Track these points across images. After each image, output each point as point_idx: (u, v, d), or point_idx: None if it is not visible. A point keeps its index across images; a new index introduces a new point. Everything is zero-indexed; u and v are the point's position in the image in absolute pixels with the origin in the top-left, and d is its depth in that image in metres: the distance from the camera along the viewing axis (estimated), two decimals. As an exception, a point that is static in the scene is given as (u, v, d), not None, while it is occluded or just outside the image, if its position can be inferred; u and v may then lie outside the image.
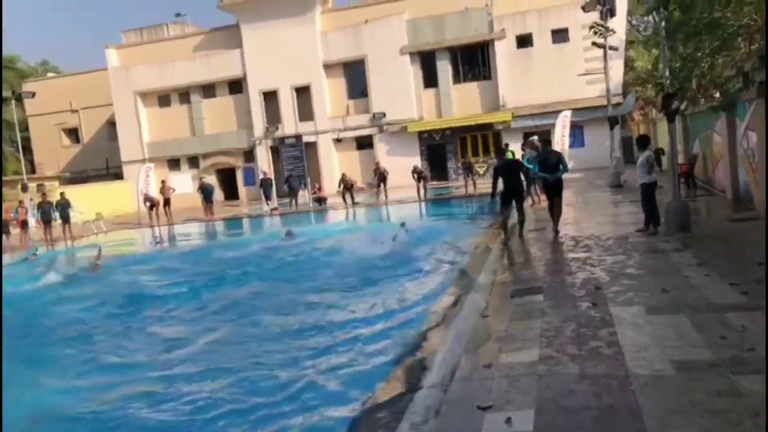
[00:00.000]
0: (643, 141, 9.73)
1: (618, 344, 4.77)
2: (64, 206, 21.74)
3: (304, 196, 25.50)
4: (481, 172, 31.84)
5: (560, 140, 21.80)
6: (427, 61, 32.58)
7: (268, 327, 7.97)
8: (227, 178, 36.28)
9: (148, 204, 23.66)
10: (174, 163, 36.73)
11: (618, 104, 26.32)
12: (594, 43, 19.22)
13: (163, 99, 36.50)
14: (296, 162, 33.84)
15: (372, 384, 5.04)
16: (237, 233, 20.95)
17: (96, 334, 8.41)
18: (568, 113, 22.65)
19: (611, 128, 19.30)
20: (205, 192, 23.43)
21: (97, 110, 40.14)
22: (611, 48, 19.03)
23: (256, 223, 22.57)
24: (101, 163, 41.43)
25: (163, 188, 24.16)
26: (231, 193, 36.24)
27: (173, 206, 24.23)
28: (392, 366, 5.45)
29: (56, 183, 37.62)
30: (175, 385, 6.08)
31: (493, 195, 11.33)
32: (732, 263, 7.17)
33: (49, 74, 49.23)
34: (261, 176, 24.77)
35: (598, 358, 4.55)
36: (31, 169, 44.29)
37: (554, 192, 11.03)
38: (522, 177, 11.18)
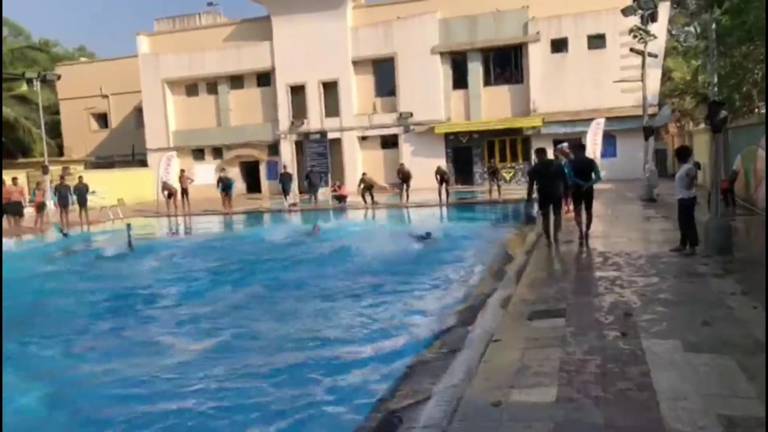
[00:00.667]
0: (684, 152, 8.91)
1: (652, 388, 4.06)
2: (81, 191, 21.47)
3: (325, 193, 24.97)
4: (508, 178, 31.07)
5: (592, 148, 20.91)
6: (457, 61, 31.84)
7: (259, 334, 7.36)
8: (250, 170, 35.93)
9: (166, 193, 23.33)
10: (198, 153, 36.53)
11: (653, 115, 25.33)
12: (632, 50, 18.32)
13: (191, 88, 36.30)
14: (320, 158, 33.49)
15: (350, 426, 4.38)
16: (252, 227, 20.50)
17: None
18: (602, 121, 21.75)
19: (646, 139, 18.38)
20: (224, 185, 22.99)
21: (127, 96, 40.07)
22: (650, 55, 18.10)
23: (273, 219, 22.07)
24: (128, 149, 41.46)
25: (182, 177, 23.82)
26: (254, 186, 35.91)
27: (192, 196, 23.93)
28: (381, 399, 4.77)
29: (81, 167, 37.78)
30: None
31: (528, 198, 11.10)
32: (782, 294, 6.38)
33: (82, 59, 49.60)
34: (281, 170, 24.16)
35: (627, 404, 3.85)
36: (59, 152, 44.78)
37: (585, 200, 10.76)
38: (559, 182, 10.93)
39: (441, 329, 6.37)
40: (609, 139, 27.76)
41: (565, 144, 16.45)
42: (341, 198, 22.88)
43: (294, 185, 27.31)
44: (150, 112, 36.41)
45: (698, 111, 30.83)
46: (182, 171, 24.30)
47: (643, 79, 18.51)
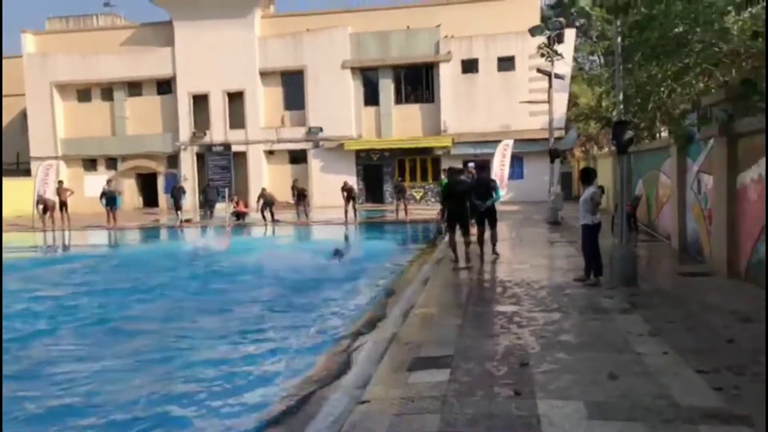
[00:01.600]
0: (588, 175, 8.27)
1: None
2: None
3: (225, 209, 23.33)
4: (418, 197, 30.53)
5: (499, 169, 20.53)
6: (369, 77, 31.16)
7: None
8: (148, 183, 33.66)
9: (41, 207, 20.99)
10: (90, 164, 33.86)
11: (560, 138, 25.48)
12: (539, 70, 18.10)
13: (83, 93, 33.66)
14: (223, 171, 31.80)
15: None
16: (138, 244, 18.64)
17: None
18: (510, 142, 21.47)
19: (551, 161, 18.15)
20: (108, 198, 20.90)
21: (11, 99, 36.69)
22: (557, 76, 17.93)
23: (161, 234, 20.25)
24: (12, 157, 38.06)
25: (60, 189, 21.53)
26: (151, 200, 33.64)
27: (81, 210, 21.56)
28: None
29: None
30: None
31: (441, 215, 11.20)
32: (693, 336, 5.66)
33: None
34: (175, 184, 22.36)
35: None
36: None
37: (488, 219, 10.93)
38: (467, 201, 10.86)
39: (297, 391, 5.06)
40: (517, 160, 27.80)
41: (472, 164, 15.87)
42: (240, 215, 21.34)
43: (189, 200, 25.51)
44: (35, 117, 33.45)
45: (602, 135, 31.53)
46: (60, 182, 21.96)
47: (549, 100, 18.31)
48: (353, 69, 30.74)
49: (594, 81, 35.79)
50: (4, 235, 20.50)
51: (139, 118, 33.02)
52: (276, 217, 21.01)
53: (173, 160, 32.68)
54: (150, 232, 21.04)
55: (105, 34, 33.82)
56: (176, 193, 21.47)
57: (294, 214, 22.15)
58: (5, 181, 32.50)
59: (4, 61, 37.50)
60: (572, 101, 33.72)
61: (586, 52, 36.84)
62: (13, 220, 24.26)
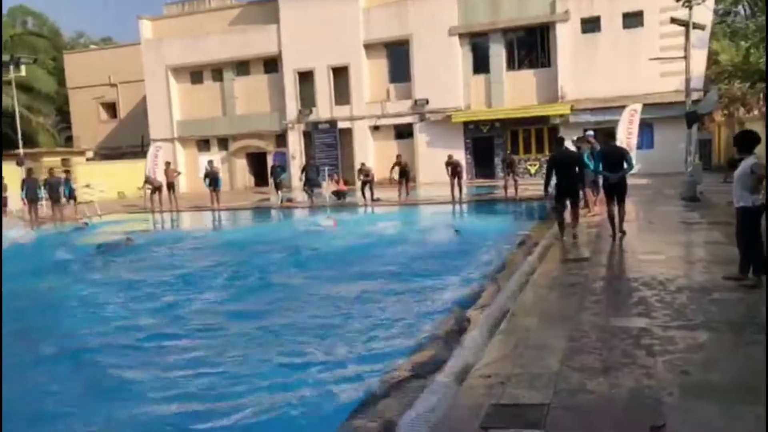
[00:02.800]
0: (749, 140, 6.19)
1: None
2: (53, 184, 19.56)
3: (327, 187, 22.62)
4: (533, 171, 28.33)
5: (626, 138, 18.09)
6: (478, 44, 29.14)
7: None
8: (258, 162, 33.87)
9: (149, 188, 21.29)
10: (204, 144, 34.65)
11: (697, 101, 22.31)
12: (674, 20, 15.39)
13: (196, 75, 34.35)
14: (329, 149, 31.26)
15: None
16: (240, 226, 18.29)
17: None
18: (638, 107, 18.87)
19: (689, 126, 15.53)
20: (211, 179, 20.77)
21: (136, 85, 38.28)
22: (695, 26, 15.17)
23: (261, 217, 19.81)
24: (137, 140, 39.91)
25: (168, 171, 21.73)
26: (262, 179, 33.89)
27: (191, 191, 21.56)
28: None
29: (83, 158, 36.25)
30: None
31: (545, 190, 10.59)
32: None
33: (92, 46, 48.19)
34: (274, 163, 21.89)
35: None
36: (67, 143, 43.45)
37: (617, 193, 9.79)
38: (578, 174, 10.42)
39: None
40: (645, 128, 24.68)
41: (591, 132, 13.79)
42: (340, 194, 20.45)
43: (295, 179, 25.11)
44: (153, 100, 34.61)
45: (750, 95, 27.52)
46: (167, 164, 22.17)
47: (686, 56, 15.61)
48: (461, 35, 28.84)
49: (739, 35, 31.60)
50: (116, 215, 21.12)
51: (247, 98, 33.20)
52: (376, 195, 19.92)
53: (281, 139, 32.59)
54: (255, 213, 20.65)
55: (214, 15, 34.15)
56: (275, 172, 20.98)
57: (396, 193, 20.93)
58: (128, 163, 34.22)
59: (125, 49, 39.37)
60: (711, 59, 29.75)
61: (728, 3, 32.40)
62: (134, 200, 25.11)
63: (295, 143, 31.85)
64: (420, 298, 7.77)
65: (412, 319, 6.71)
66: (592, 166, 12.66)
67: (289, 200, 21.00)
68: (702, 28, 15.56)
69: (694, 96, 24.24)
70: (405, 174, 20.16)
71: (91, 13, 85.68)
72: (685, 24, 14.84)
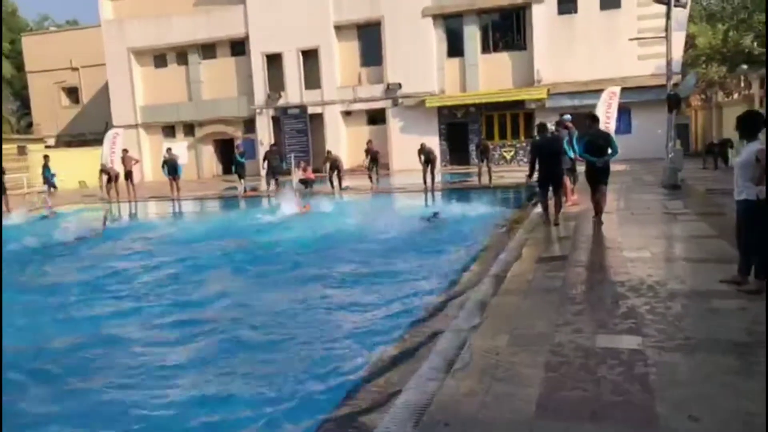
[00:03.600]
0: (753, 122, 5.36)
1: None
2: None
3: (296, 174, 21.60)
4: (508, 157, 27.60)
5: (604, 123, 17.33)
6: (452, 26, 28.21)
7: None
8: (225, 149, 32.62)
9: (105, 177, 20.08)
10: (169, 130, 33.30)
11: (676, 85, 21.70)
12: (655, -2, 14.58)
13: (159, 58, 32.89)
14: (299, 135, 30.20)
15: None
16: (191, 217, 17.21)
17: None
18: (617, 90, 18.14)
19: (670, 111, 14.82)
20: (170, 166, 19.60)
21: (99, 69, 36.60)
22: (678, 5, 14.40)
23: (221, 207, 18.74)
24: (101, 126, 38.29)
25: (125, 158, 20.52)
26: (229, 167, 32.61)
27: (154, 179, 20.34)
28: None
29: (41, 146, 34.70)
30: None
31: (529, 176, 10.44)
32: None
33: (52, 28, 46.23)
34: (238, 150, 20.76)
35: None
36: (28, 130, 41.69)
37: (600, 178, 9.65)
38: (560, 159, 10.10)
39: None
40: (623, 112, 24.06)
41: (568, 117, 12.99)
42: (307, 182, 19.45)
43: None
44: (116, 85, 33.11)
45: (731, 78, 27.00)
46: (125, 151, 20.92)
47: (667, 36, 14.85)
48: (435, 17, 27.86)
49: (716, 17, 31.08)
50: (71, 206, 19.88)
51: (214, 82, 31.91)
52: (345, 183, 18.97)
53: (250, 124, 31.40)
54: (217, 203, 19.56)
55: (177, -6, 32.65)
56: (236, 159, 19.91)
57: (367, 180, 19.99)
58: (88, 150, 32.76)
59: (87, 31, 37.67)
60: (688, 43, 29.21)
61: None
62: (85, 190, 23.79)
63: (264, 129, 30.70)
64: (362, 318, 6.72)
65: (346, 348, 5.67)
66: (570, 153, 11.91)
67: (254, 189, 19.94)
68: (684, 5, 14.80)
69: (674, 80, 23.69)
70: (375, 161, 19.18)
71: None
72: (666, 1, 14.05)
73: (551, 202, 10.02)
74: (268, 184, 19.26)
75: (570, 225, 9.61)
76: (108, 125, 37.14)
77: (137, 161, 21.05)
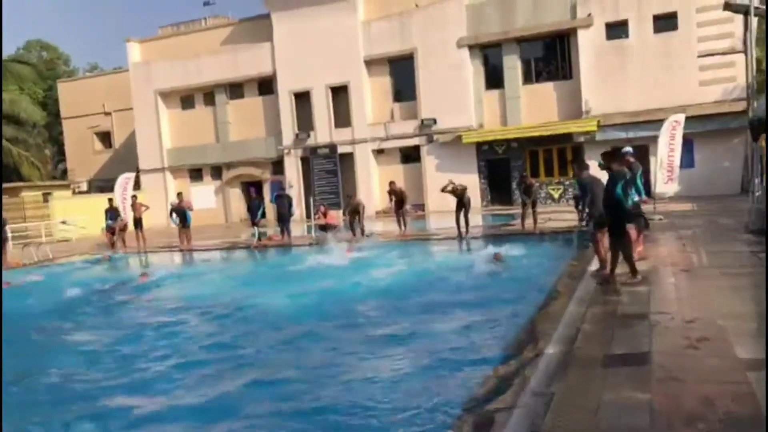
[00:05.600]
0: None
1: None
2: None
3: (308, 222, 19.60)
4: (556, 196, 25.11)
5: (667, 156, 14.85)
6: (490, 56, 26.25)
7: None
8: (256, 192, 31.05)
9: (109, 234, 18.54)
10: (196, 174, 32.05)
11: (742, 112, 19.06)
12: (728, 6, 12.17)
13: (186, 100, 31.90)
14: (329, 176, 28.49)
15: None
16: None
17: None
18: (681, 117, 15.59)
19: (754, 138, 12.22)
20: (180, 214, 17.86)
21: (130, 113, 35.97)
22: (757, 13, 11.95)
23: (236, 258, 16.79)
24: (132, 170, 37.58)
25: (135, 205, 18.94)
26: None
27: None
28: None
29: (68, 192, 33.97)
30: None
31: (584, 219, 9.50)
32: None
33: (88, 74, 46.39)
34: (253, 195, 18.95)
35: None
36: (64, 176, 41.38)
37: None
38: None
39: None
40: (684, 144, 21.49)
41: (629, 149, 10.65)
42: (328, 228, 17.39)
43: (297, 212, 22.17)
44: (143, 128, 32.25)
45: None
46: (134, 197, 19.37)
47: (746, 49, 12.38)
48: (471, 47, 25.92)
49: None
50: (79, 257, 18.33)
51: (242, 123, 30.61)
52: (368, 229, 16.85)
53: (278, 166, 29.84)
54: (231, 254, 17.58)
55: (205, 35, 31.81)
56: (252, 204, 18.07)
57: (393, 224, 17.82)
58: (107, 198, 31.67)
59: (119, 75, 37.19)
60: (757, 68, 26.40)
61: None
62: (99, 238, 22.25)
63: (293, 170, 29.09)
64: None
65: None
66: (633, 194, 9.54)
67: (269, 238, 17.95)
68: (763, 15, 12.33)
69: (739, 107, 20.99)
70: (401, 203, 17.06)
71: (97, 41, 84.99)
72: (744, 10, 11.65)
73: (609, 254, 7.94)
74: (282, 232, 17.27)
75: (641, 292, 7.15)
76: (138, 169, 36.42)
77: (147, 207, 19.44)
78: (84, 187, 38.57)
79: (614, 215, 8.13)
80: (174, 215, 17.91)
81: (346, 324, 8.09)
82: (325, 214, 17.69)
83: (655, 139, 18.03)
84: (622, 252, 8.10)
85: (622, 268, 8.05)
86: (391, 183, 17.39)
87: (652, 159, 19.74)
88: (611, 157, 8.56)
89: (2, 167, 28.97)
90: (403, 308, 8.71)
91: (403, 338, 7.09)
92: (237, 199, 31.30)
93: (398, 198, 16.93)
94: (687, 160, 22.82)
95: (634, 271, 7.91)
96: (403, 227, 17.02)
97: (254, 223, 17.69)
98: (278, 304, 9.61)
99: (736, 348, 4.88)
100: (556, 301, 7.32)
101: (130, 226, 19.23)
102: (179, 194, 19.05)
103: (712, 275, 7.94)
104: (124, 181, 20.53)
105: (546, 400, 4.06)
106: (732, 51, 15.11)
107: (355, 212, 16.69)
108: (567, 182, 24.78)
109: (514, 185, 24.49)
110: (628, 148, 10.82)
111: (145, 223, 19.09)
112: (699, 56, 18.66)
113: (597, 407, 3.89)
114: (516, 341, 6.07)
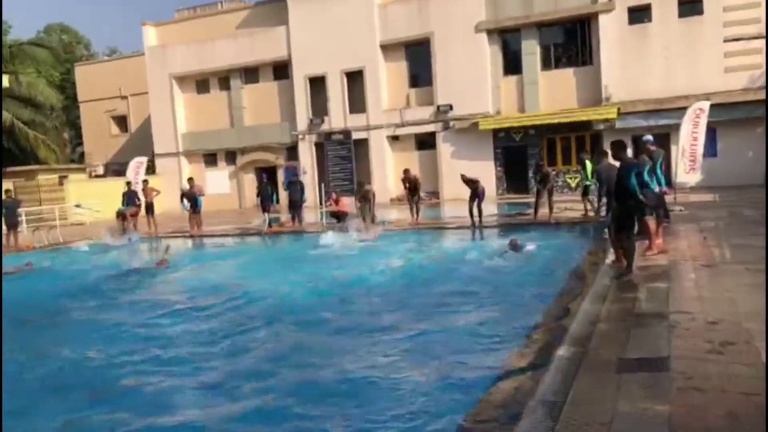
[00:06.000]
0: None
1: None
2: (9, 208, 16.80)
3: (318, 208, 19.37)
4: (573, 185, 24.61)
5: (689, 145, 14.38)
6: (509, 41, 25.71)
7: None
8: (268, 178, 30.88)
9: (121, 219, 18.44)
10: (211, 158, 31.95)
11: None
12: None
13: (202, 84, 31.74)
14: (344, 162, 28.24)
15: None
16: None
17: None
18: (706, 105, 15.08)
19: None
20: (190, 200, 17.71)
21: (147, 97, 35.90)
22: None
23: (244, 243, 16.63)
24: (148, 154, 37.61)
25: (146, 189, 18.85)
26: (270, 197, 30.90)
27: (204, 208, 18.06)
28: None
29: (83, 175, 34.02)
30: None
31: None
32: None
33: (105, 57, 46.42)
34: (264, 179, 18.75)
35: None
36: (82, 159, 41.54)
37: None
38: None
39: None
40: (707, 132, 20.91)
41: (650, 137, 10.26)
42: (340, 216, 17.15)
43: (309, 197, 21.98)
44: (158, 112, 32.17)
45: None
46: (145, 182, 19.26)
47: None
48: (489, 32, 25.41)
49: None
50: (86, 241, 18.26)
51: (256, 108, 30.39)
52: (379, 217, 16.57)
53: (293, 151, 29.62)
54: (241, 241, 17.42)
55: (220, 19, 31.50)
56: (262, 190, 17.86)
57: (407, 212, 17.53)
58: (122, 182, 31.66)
59: (136, 59, 37.10)
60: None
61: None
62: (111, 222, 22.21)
63: (307, 156, 28.85)
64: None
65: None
66: (653, 185, 9.19)
67: (280, 224, 17.74)
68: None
69: (762, 95, 20.40)
70: (415, 191, 16.79)
71: (117, 25, 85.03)
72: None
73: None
74: (293, 219, 17.08)
75: (659, 289, 6.82)
76: (153, 154, 36.44)
77: (158, 192, 19.33)
78: (100, 170, 38.68)
79: (623, 206, 7.84)
80: (185, 200, 17.78)
81: (345, 312, 7.90)
82: (336, 201, 17.43)
83: (676, 127, 17.59)
84: (623, 246, 7.84)
85: (642, 260, 7.72)
86: (406, 171, 17.12)
87: (673, 148, 19.22)
88: (619, 146, 8.29)
89: (2, 150, 28.89)
90: (406, 300, 8.47)
91: (403, 338, 6.80)
92: (251, 184, 31.07)
93: (412, 186, 16.67)
94: (709, 149, 22.22)
95: (629, 267, 7.73)
96: (415, 215, 16.75)
97: (265, 210, 17.48)
98: (284, 291, 9.42)
99: (763, 354, 4.55)
100: (570, 296, 7.00)
101: (142, 211, 19.13)
102: (190, 179, 18.90)
103: (736, 271, 7.57)
104: (136, 165, 20.49)
105: (555, 410, 3.78)
106: (760, 36, 14.42)
107: (364, 198, 16.42)
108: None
109: (530, 173, 24.04)
110: (649, 137, 10.44)
111: (160, 207, 19.04)
112: (725, 41, 17.83)
113: (611, 420, 3.60)
114: (525, 341, 5.79)
